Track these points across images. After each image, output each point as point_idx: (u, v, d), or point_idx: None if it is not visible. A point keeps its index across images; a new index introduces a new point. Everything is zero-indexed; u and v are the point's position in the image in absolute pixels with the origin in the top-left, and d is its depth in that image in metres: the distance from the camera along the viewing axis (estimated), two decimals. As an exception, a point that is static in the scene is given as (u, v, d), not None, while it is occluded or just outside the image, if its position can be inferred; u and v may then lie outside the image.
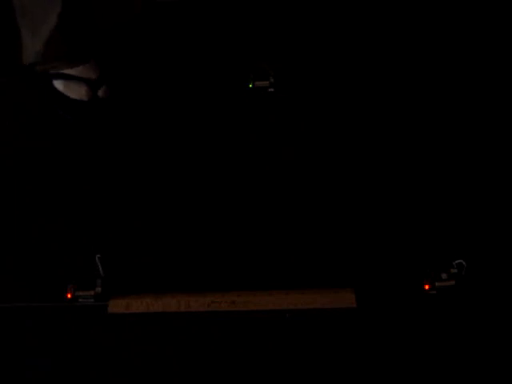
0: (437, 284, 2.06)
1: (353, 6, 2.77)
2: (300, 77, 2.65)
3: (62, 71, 2.38)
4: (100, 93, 2.46)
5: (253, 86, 2.60)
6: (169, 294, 2.10)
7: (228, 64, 2.72)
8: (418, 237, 2.19)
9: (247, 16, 2.84)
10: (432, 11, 2.74)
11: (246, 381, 1.96)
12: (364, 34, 2.71)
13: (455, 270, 2.08)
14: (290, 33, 2.78)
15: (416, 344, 1.99)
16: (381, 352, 1.98)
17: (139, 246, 2.23)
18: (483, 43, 2.67)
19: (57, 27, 2.07)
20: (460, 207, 2.26)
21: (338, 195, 2.31)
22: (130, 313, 2.07)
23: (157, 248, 2.23)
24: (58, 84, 2.44)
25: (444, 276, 2.07)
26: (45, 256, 2.20)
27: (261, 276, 2.14)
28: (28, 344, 2.04)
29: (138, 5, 2.32)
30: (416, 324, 2.02)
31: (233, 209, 2.30)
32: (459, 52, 2.65)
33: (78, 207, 2.32)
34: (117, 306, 2.08)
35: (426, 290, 2.07)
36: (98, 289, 2.09)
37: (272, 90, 2.59)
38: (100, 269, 2.12)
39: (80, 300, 2.09)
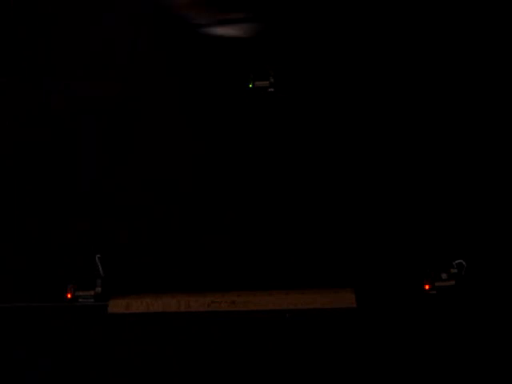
0: (437, 284, 2.07)
1: (353, 7, 2.77)
2: (300, 77, 2.65)
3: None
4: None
5: (253, 86, 2.60)
6: (169, 294, 2.10)
7: (228, 64, 2.72)
8: (418, 237, 2.19)
9: (247, 16, 2.84)
10: (431, 11, 2.73)
11: (246, 381, 1.95)
12: (364, 34, 2.71)
13: (455, 270, 2.08)
14: (290, 33, 2.78)
15: (416, 344, 1.99)
16: (381, 352, 1.98)
17: (139, 246, 2.23)
18: (483, 43, 2.66)
19: None
20: (460, 207, 2.25)
21: (338, 195, 2.31)
22: (130, 313, 2.07)
23: (157, 248, 2.22)
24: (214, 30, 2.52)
25: (444, 276, 2.08)
26: (45, 256, 2.21)
27: (261, 276, 2.14)
28: (28, 344, 2.04)
29: None
30: (416, 324, 2.02)
31: (233, 209, 2.29)
32: (459, 52, 2.64)
33: (78, 207, 2.32)
34: (117, 306, 2.09)
35: (426, 289, 2.07)
36: (98, 289, 2.10)
37: (272, 89, 2.60)
38: (100, 269, 2.12)
39: (80, 300, 2.10)
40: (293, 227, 2.25)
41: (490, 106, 2.49)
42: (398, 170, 2.36)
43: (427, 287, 2.08)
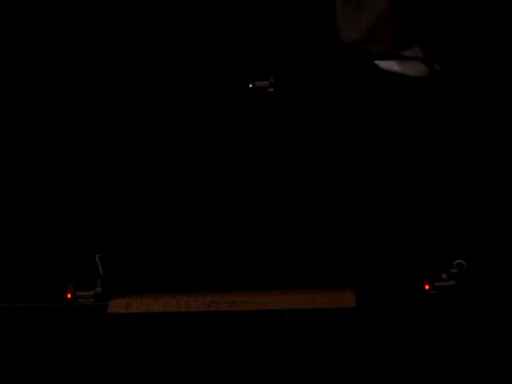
0: (437, 284, 2.06)
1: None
2: (300, 77, 2.65)
3: (391, 52, 2.38)
4: (436, 67, 2.46)
5: (253, 86, 2.60)
6: (169, 294, 2.10)
7: (228, 64, 2.72)
8: (418, 237, 2.19)
9: (247, 16, 2.85)
10: (430, 12, 2.74)
11: (246, 381, 1.95)
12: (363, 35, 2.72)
13: (455, 270, 2.08)
14: (290, 33, 2.78)
15: (416, 344, 1.99)
16: (381, 352, 1.98)
17: (139, 246, 2.24)
18: (483, 44, 2.67)
19: (387, 11, 2.07)
20: (460, 207, 2.26)
21: (338, 195, 2.31)
22: (130, 313, 2.07)
23: (157, 248, 2.23)
24: (391, 65, 2.45)
25: (444, 276, 2.07)
26: (45, 256, 2.21)
27: (261, 276, 2.14)
28: (28, 344, 2.04)
29: None
30: (416, 324, 2.02)
31: (232, 208, 2.30)
32: (458, 52, 2.65)
33: (78, 207, 2.32)
34: (117, 306, 2.08)
35: (426, 289, 2.07)
36: (98, 289, 2.09)
37: (272, 89, 2.60)
38: (100, 269, 2.12)
39: (80, 300, 2.09)
40: (293, 227, 2.25)
41: (489, 106, 2.50)
42: (398, 170, 2.36)
43: (427, 287, 2.08)
